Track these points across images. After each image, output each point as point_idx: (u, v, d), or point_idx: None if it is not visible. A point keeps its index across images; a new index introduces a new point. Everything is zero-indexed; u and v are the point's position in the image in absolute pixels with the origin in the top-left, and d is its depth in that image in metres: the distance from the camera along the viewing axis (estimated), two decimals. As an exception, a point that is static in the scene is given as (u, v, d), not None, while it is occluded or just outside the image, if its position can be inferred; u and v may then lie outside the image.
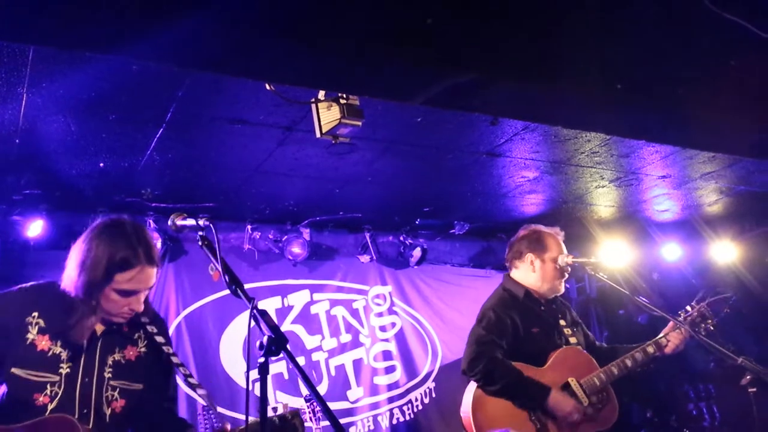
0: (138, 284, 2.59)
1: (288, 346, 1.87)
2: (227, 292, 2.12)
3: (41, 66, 3.28)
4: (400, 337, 6.68)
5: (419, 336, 6.77)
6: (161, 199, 5.30)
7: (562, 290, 4.10)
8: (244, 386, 5.58)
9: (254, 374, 1.80)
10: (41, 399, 2.54)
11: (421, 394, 6.59)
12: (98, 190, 5.02)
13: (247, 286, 2.11)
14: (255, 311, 1.82)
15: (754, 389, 4.05)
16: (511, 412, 3.75)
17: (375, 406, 6.37)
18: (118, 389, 2.68)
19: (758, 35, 2.92)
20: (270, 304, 6.14)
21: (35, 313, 2.60)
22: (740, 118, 3.47)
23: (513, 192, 5.74)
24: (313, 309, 6.39)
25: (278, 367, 5.94)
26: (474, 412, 3.76)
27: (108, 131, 4.07)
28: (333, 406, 6.12)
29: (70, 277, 2.59)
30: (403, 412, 6.46)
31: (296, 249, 6.15)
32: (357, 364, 6.42)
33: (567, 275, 4.08)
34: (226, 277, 2.06)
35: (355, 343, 6.47)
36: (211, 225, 2.26)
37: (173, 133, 4.14)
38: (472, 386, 3.84)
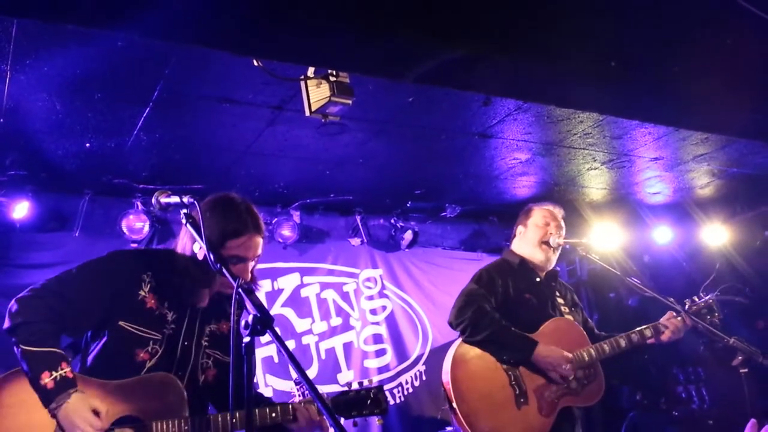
0: (247, 251, 2.68)
1: (277, 329, 1.84)
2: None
3: (25, 42, 3.21)
4: (391, 321, 6.67)
5: (410, 319, 6.76)
6: (149, 181, 5.24)
7: (550, 258, 4.08)
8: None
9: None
10: (142, 354, 2.63)
11: (411, 377, 6.59)
12: (85, 170, 4.94)
13: (235, 268, 2.08)
14: (240, 290, 1.78)
15: (746, 370, 4.06)
16: (492, 374, 3.74)
17: (365, 389, 6.35)
18: (212, 358, 2.81)
19: (754, 14, 2.89)
20: (260, 287, 6.09)
21: (150, 273, 2.72)
22: (734, 98, 3.45)
23: (505, 174, 5.71)
24: (304, 292, 6.36)
25: (268, 350, 5.92)
26: (453, 370, 3.73)
27: (94, 110, 4.00)
28: (323, 389, 6.10)
29: (186, 245, 2.72)
30: (393, 395, 6.46)
31: (286, 232, 6.10)
32: (347, 347, 6.40)
33: (552, 244, 4.05)
34: (211, 255, 2.01)
35: (346, 327, 6.45)
36: (195, 202, 2.22)
37: (160, 113, 4.07)
38: (453, 346, 3.83)
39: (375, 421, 6.03)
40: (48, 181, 5.10)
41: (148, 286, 2.70)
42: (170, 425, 2.58)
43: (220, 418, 2.67)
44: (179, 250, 2.77)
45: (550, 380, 3.75)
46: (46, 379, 2.41)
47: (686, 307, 3.98)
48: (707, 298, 4.03)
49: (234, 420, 2.60)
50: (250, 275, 2.77)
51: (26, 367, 2.46)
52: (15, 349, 2.51)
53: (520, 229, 4.21)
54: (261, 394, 3.09)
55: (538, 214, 4.16)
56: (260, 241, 2.74)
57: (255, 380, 2.97)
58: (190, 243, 2.72)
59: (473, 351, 3.79)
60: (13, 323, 2.51)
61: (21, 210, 5.06)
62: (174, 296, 2.72)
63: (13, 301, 2.56)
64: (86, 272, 2.69)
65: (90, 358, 2.68)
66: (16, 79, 3.55)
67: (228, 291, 2.72)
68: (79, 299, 2.61)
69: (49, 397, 2.41)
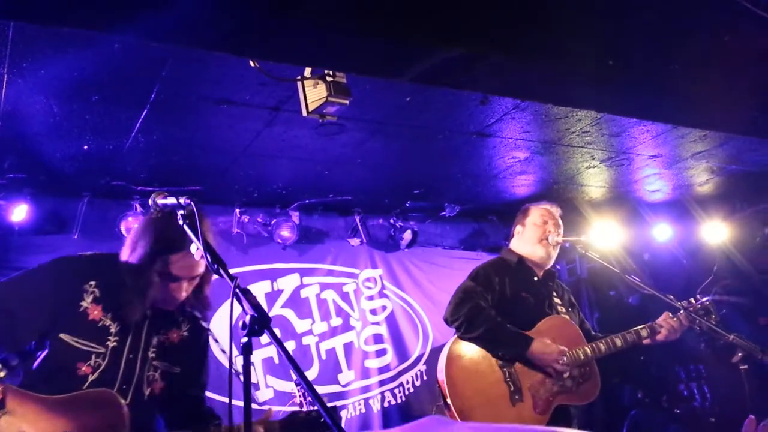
0: (180, 270, 2.56)
1: (277, 329, 1.83)
2: (215, 276, 2.07)
3: (22, 46, 3.21)
4: (391, 321, 6.67)
5: (410, 319, 6.75)
6: (147, 183, 5.23)
7: (550, 254, 4.08)
8: (233, 371, 5.59)
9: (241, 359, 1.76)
10: (83, 368, 2.54)
11: (412, 376, 6.59)
12: (83, 173, 4.95)
13: (236, 270, 2.08)
14: (237, 290, 1.78)
15: (745, 366, 4.06)
16: (487, 371, 3.75)
17: (366, 389, 6.35)
18: (159, 370, 2.70)
19: (752, 12, 2.88)
20: (259, 288, 6.09)
21: (93, 282, 2.61)
22: (733, 96, 3.44)
23: (503, 173, 5.70)
24: (303, 293, 6.35)
25: (268, 351, 5.91)
26: (448, 366, 3.74)
27: (91, 113, 4.00)
28: (324, 390, 6.10)
29: (125, 255, 2.60)
30: (394, 395, 6.46)
31: (285, 232, 6.10)
32: (348, 347, 6.39)
33: (551, 242, 4.06)
34: (208, 256, 2.01)
35: (346, 327, 6.45)
36: (192, 204, 2.20)
37: (158, 114, 4.06)
38: (446, 347, 3.84)
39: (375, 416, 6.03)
40: (46, 183, 5.10)
41: (91, 296, 2.59)
42: None
43: None
44: (122, 254, 2.65)
45: (545, 377, 3.76)
46: None
47: (683, 309, 3.98)
48: (704, 300, 4.04)
49: None
50: (185, 294, 2.64)
51: None
52: None
53: (518, 228, 4.23)
54: (210, 409, 2.94)
55: (536, 213, 4.18)
56: (200, 262, 2.55)
57: (202, 380, 2.92)
58: (127, 248, 2.62)
59: (468, 347, 3.80)
60: None
61: (20, 213, 5.06)
62: (118, 306, 2.61)
63: None
64: (27, 281, 2.62)
65: (33, 367, 2.59)
66: (13, 83, 3.55)
67: (158, 304, 2.64)
68: (21, 311, 2.53)
69: None
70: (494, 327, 3.73)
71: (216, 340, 3.03)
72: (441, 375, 3.76)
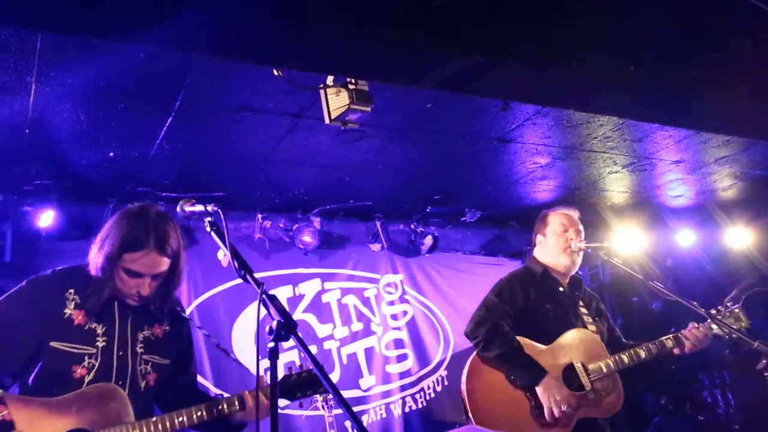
0: (142, 267, 2.72)
1: (299, 333, 1.86)
2: (238, 281, 2.12)
3: (49, 55, 3.27)
4: (412, 326, 6.67)
5: (431, 324, 6.76)
6: (171, 189, 5.30)
7: (575, 261, 4.06)
8: (255, 374, 5.63)
9: (265, 362, 1.79)
10: (79, 371, 2.68)
11: (433, 382, 6.58)
12: (108, 179, 5.01)
13: (258, 275, 2.10)
14: (264, 296, 1.80)
15: (770, 373, 4.01)
16: (507, 385, 3.72)
17: (387, 394, 6.36)
18: (150, 363, 2.85)
19: (773, 15, 2.87)
20: (281, 293, 6.13)
21: (71, 290, 2.77)
22: (755, 101, 3.42)
23: (524, 178, 5.70)
24: (325, 298, 6.38)
25: (290, 355, 5.94)
26: (468, 382, 3.73)
27: (117, 120, 4.06)
28: (345, 394, 6.11)
29: (92, 255, 2.77)
30: (415, 400, 6.46)
31: (307, 238, 6.13)
32: (369, 352, 6.41)
33: (574, 249, 4.02)
34: (235, 263, 2.04)
35: (367, 332, 6.46)
36: (219, 211, 2.25)
37: (182, 122, 4.12)
38: (468, 361, 3.82)
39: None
40: (73, 190, 5.18)
41: (72, 303, 2.75)
42: (118, 431, 2.64)
43: (167, 418, 2.71)
44: (89, 261, 2.80)
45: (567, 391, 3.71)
46: None
47: (711, 317, 3.92)
48: (734, 307, 3.98)
49: (181, 418, 2.70)
50: (148, 290, 2.78)
51: None
52: None
53: (539, 238, 4.19)
54: (204, 392, 3.15)
55: (555, 221, 4.14)
56: (161, 260, 2.73)
57: (198, 378, 3.12)
58: (96, 246, 2.78)
59: (489, 362, 3.79)
60: None
61: (46, 219, 5.14)
62: (98, 309, 2.76)
63: None
64: (11, 304, 2.75)
65: (30, 381, 2.70)
66: (41, 91, 3.62)
67: (125, 299, 2.79)
68: (8, 332, 2.68)
69: None
70: (509, 352, 3.72)
71: (199, 327, 3.24)
72: (462, 388, 3.75)
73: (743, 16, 2.91)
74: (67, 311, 2.73)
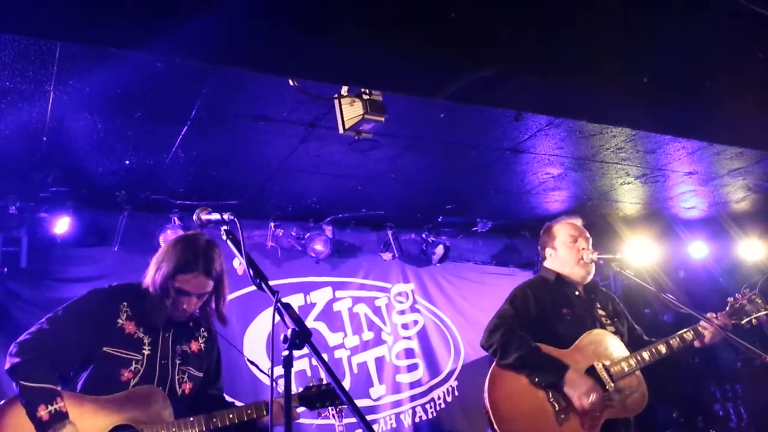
0: (191, 287, 3.05)
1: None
2: (251, 288, 2.16)
3: (68, 64, 3.32)
4: (423, 335, 6.67)
5: (442, 334, 6.75)
6: (186, 197, 5.34)
7: (590, 272, 4.03)
8: (267, 383, 5.65)
9: (279, 370, 1.81)
10: (126, 374, 3.00)
11: (443, 392, 6.57)
12: (124, 187, 5.07)
13: (269, 283, 2.13)
14: (279, 304, 1.83)
15: (781, 386, 3.98)
16: (529, 390, 3.68)
17: (397, 404, 6.36)
18: (186, 374, 3.18)
19: (787, 28, 2.87)
20: (293, 302, 6.15)
21: (125, 303, 3.11)
22: (768, 113, 3.41)
23: (537, 189, 5.70)
24: (336, 306, 6.40)
25: (301, 364, 5.96)
26: (490, 393, 3.69)
27: (134, 129, 4.11)
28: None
29: (150, 275, 3.10)
30: (425, 411, 6.45)
31: (319, 246, 6.16)
32: (379, 361, 6.41)
33: (587, 261, 4.00)
34: (251, 271, 2.07)
35: (378, 341, 6.47)
36: (235, 219, 2.29)
37: (198, 131, 4.17)
38: (489, 374, 3.77)
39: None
40: (88, 197, 5.23)
41: (125, 314, 3.08)
42: (160, 429, 2.97)
43: (203, 419, 3.04)
44: (144, 280, 3.13)
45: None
46: (42, 412, 2.78)
47: (729, 305, 3.89)
48: (749, 294, 3.92)
49: (215, 419, 3.03)
50: (194, 308, 3.13)
51: (24, 400, 2.82)
52: (15, 386, 2.87)
53: (548, 252, 4.13)
54: (231, 402, 3.44)
55: (563, 232, 4.08)
56: (208, 282, 3.08)
57: (220, 384, 3.44)
58: (153, 267, 3.10)
59: (509, 369, 3.76)
60: (13, 364, 2.87)
61: (62, 225, 5.20)
62: (147, 322, 3.10)
63: (13, 344, 2.93)
64: (73, 312, 3.06)
65: (80, 383, 3.01)
66: (59, 99, 3.67)
67: (174, 314, 3.10)
68: (70, 336, 2.98)
69: (44, 428, 2.77)
70: (528, 353, 3.69)
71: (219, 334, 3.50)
72: (485, 400, 3.73)
73: (755, 27, 2.91)
74: (120, 321, 3.05)
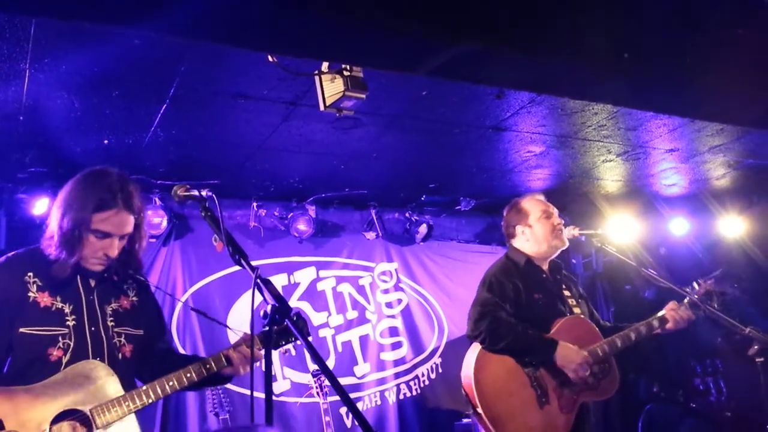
0: (112, 227, 2.67)
1: (294, 317, 1.87)
2: (234, 269, 2.15)
3: (44, 41, 3.26)
4: (407, 314, 6.71)
5: (425, 312, 6.79)
6: (166, 177, 5.30)
7: (565, 242, 4.07)
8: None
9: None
10: (55, 353, 2.61)
11: (427, 369, 6.62)
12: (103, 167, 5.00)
13: (253, 263, 2.11)
14: (258, 280, 1.81)
15: (762, 359, 4.06)
16: (513, 376, 3.75)
17: (382, 381, 6.40)
18: (123, 335, 2.81)
19: (766, 4, 2.87)
20: (276, 281, 6.14)
21: (30, 273, 2.68)
22: (749, 89, 3.42)
23: (519, 167, 5.71)
24: (320, 286, 6.40)
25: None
26: (476, 374, 3.74)
27: (112, 107, 4.06)
28: (340, 382, 6.14)
29: (54, 226, 2.70)
30: (409, 387, 6.50)
31: (302, 226, 6.15)
32: (363, 340, 6.44)
33: (567, 234, 4.05)
34: (230, 248, 2.05)
35: (362, 320, 6.50)
36: (213, 196, 2.26)
37: (177, 109, 4.12)
38: (473, 350, 3.83)
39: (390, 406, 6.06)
40: (67, 177, 5.07)
41: (34, 286, 2.68)
42: (111, 406, 2.61)
43: (157, 385, 2.70)
44: (43, 240, 2.75)
45: (568, 378, 3.77)
46: None
47: (688, 294, 4.00)
48: (707, 284, 4.03)
49: (171, 383, 2.70)
50: (116, 252, 2.74)
51: None
52: None
53: (520, 229, 4.08)
54: (185, 354, 3.20)
55: (536, 208, 4.10)
56: (129, 218, 2.72)
57: (174, 341, 3.06)
58: (58, 214, 2.72)
59: (493, 354, 3.80)
60: None
61: (41, 206, 5.12)
62: (62, 288, 2.71)
63: None
64: None
65: (5, 371, 2.63)
66: (35, 78, 3.61)
67: (90, 266, 2.73)
68: None
69: None
70: (517, 337, 3.73)
71: (192, 308, 3.27)
72: (467, 382, 3.76)
73: (737, 3, 2.91)
74: (31, 294, 2.66)
